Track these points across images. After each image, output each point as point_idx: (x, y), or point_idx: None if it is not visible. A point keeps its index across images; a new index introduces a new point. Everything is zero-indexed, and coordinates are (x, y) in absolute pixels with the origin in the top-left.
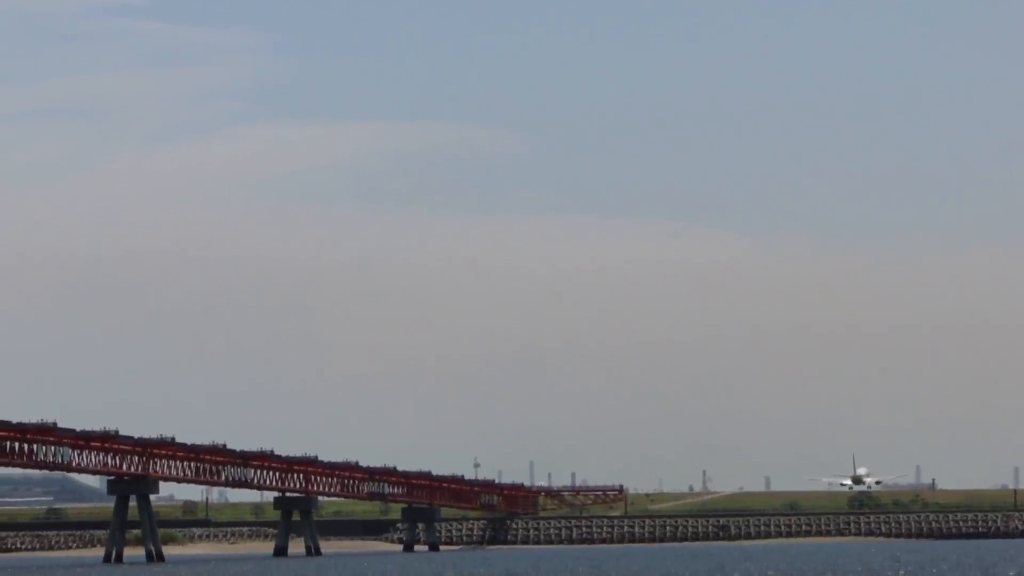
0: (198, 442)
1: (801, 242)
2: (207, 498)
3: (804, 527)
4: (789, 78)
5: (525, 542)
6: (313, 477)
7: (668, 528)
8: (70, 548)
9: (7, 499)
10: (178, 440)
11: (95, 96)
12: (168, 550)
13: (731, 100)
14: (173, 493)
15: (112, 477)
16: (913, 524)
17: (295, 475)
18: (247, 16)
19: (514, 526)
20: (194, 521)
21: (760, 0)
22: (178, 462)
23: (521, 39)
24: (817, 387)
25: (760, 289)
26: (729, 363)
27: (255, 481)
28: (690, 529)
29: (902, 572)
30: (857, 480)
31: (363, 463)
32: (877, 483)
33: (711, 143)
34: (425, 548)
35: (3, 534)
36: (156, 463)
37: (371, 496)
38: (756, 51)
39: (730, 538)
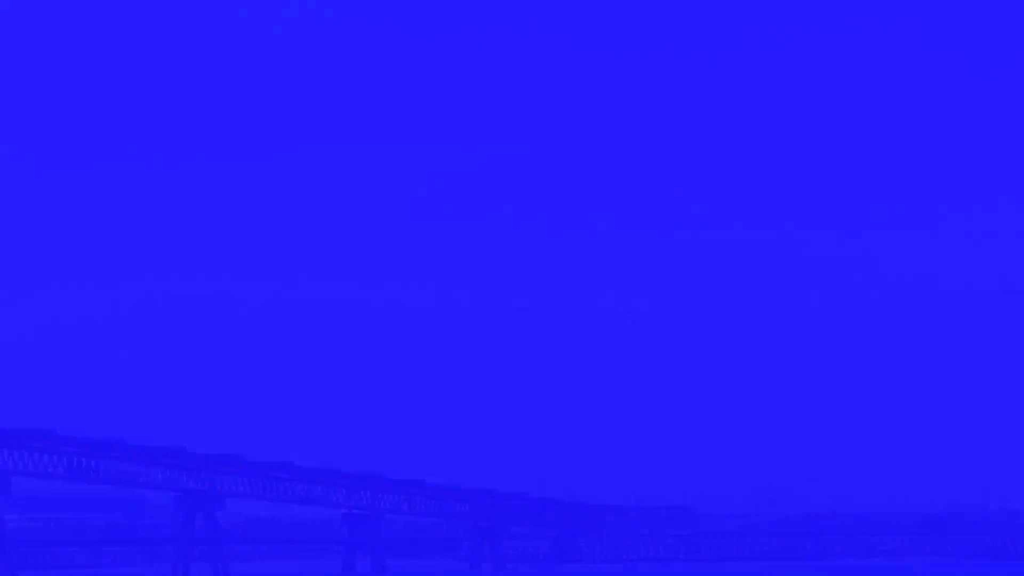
0: (265, 459)
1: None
2: (274, 515)
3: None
4: (801, 98)
5: (591, 560)
6: (380, 494)
7: (735, 546)
8: (136, 564)
9: (73, 514)
10: (245, 457)
11: None
12: (234, 568)
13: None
14: (240, 510)
15: (179, 493)
16: None
17: (362, 492)
18: None
19: (580, 543)
20: (261, 538)
21: (766, 34)
22: (245, 478)
23: (541, 58)
24: (884, 403)
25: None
26: (796, 380)
27: (322, 498)
28: (758, 547)
29: None
30: None
31: (428, 480)
32: None
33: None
34: (491, 565)
35: (68, 550)
36: (223, 479)
37: (437, 513)
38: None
39: (801, 558)
